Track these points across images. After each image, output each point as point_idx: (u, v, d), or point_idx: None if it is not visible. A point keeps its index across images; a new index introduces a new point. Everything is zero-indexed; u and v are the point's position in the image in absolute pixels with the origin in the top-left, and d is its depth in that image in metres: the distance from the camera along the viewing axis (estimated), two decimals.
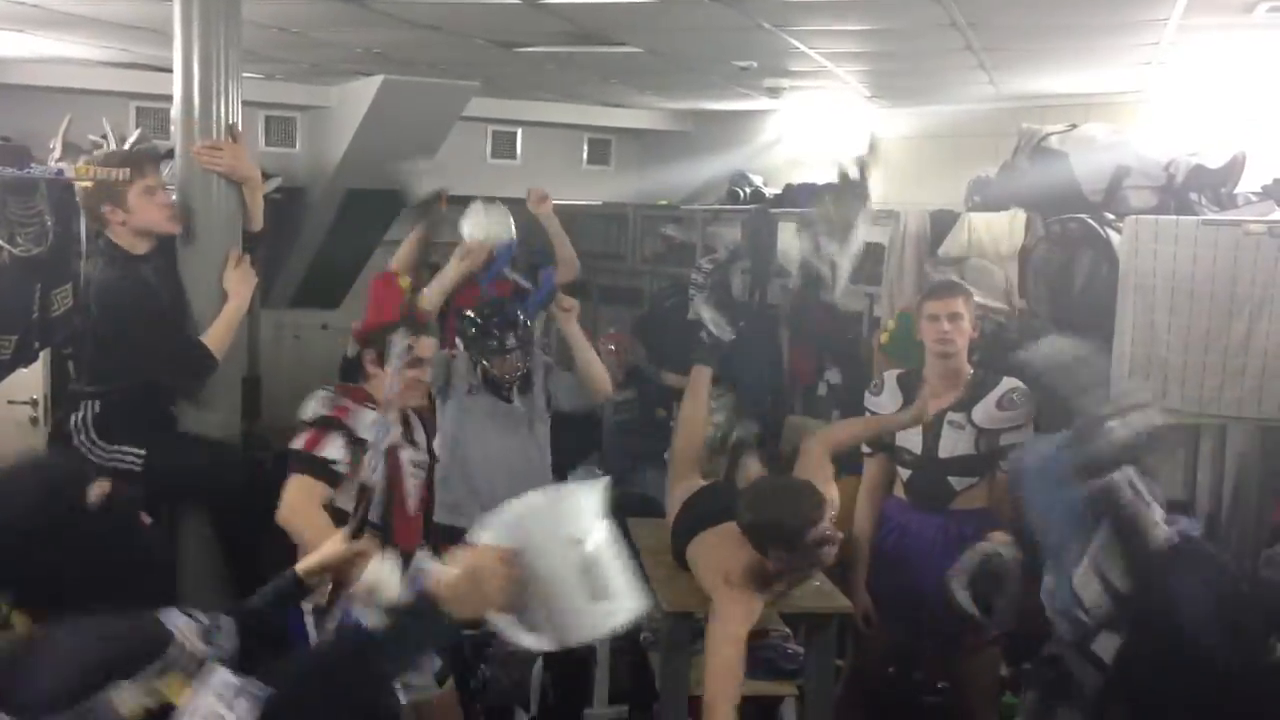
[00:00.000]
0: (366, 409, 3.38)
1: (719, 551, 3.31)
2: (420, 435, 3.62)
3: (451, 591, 1.87)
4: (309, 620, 2.96)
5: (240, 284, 3.68)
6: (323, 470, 3.30)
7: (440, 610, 1.85)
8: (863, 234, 4.84)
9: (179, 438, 3.71)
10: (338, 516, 3.16)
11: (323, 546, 2.48)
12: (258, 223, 3.85)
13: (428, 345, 3.58)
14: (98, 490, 1.96)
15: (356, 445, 3.29)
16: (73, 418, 3.67)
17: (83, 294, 4.02)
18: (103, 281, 3.66)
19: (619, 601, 1.98)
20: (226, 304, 3.67)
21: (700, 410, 4.21)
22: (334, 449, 3.31)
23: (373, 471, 2.86)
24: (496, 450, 4.27)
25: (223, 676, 1.73)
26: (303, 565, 2.44)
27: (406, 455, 3.51)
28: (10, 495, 1.91)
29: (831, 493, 3.38)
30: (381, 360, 3.47)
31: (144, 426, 3.63)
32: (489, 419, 4.30)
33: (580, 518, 1.99)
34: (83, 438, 3.63)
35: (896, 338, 4.76)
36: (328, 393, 3.45)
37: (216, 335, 3.64)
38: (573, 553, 1.94)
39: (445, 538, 3.77)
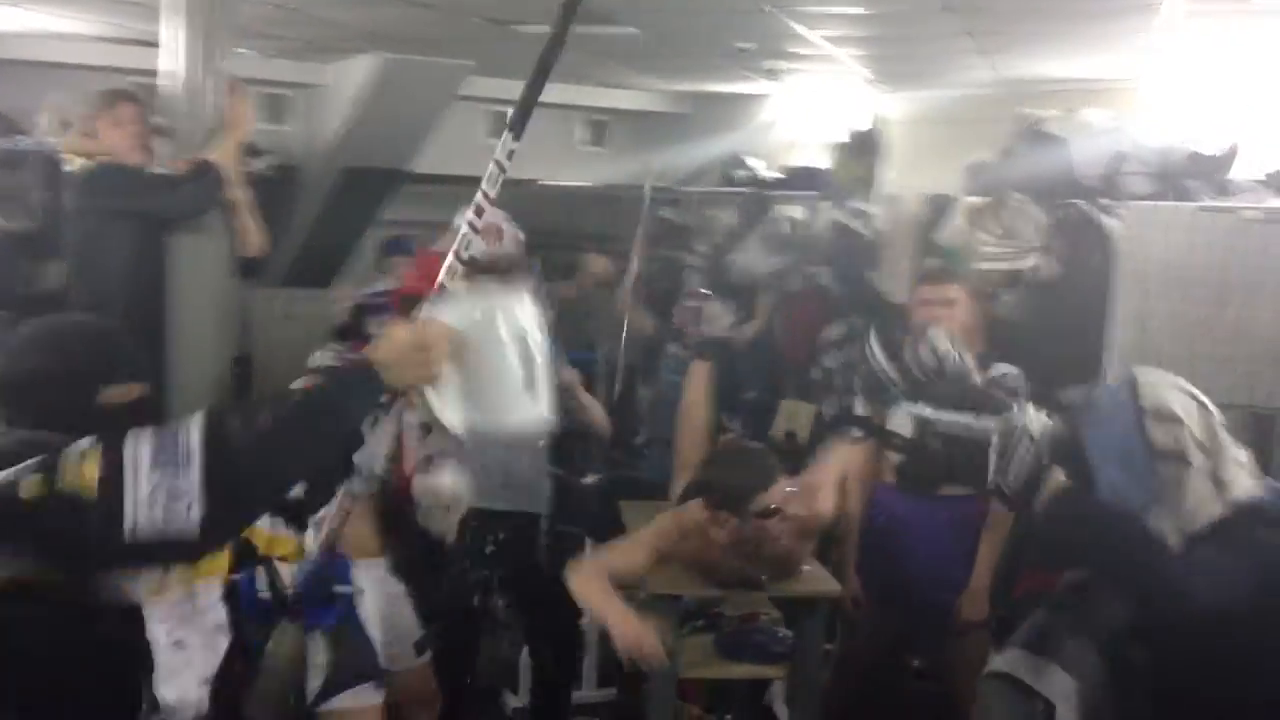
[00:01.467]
0: None
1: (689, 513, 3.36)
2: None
3: (389, 354, 1.84)
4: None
5: (239, 106, 3.70)
6: None
7: (374, 373, 1.83)
8: (883, 185, 4.89)
9: None
10: None
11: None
12: (256, 244, 3.85)
13: None
14: (121, 394, 1.98)
15: None
16: None
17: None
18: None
19: (540, 403, 2.09)
20: (230, 130, 3.68)
21: (700, 402, 4.29)
22: None
23: None
24: None
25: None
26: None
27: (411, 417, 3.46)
28: (34, 354, 1.96)
29: (823, 496, 3.38)
30: None
31: None
32: None
33: (526, 318, 2.10)
34: None
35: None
36: (338, 347, 3.44)
37: (222, 153, 3.64)
38: (516, 343, 2.06)
39: None
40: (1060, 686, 2.20)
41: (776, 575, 3.33)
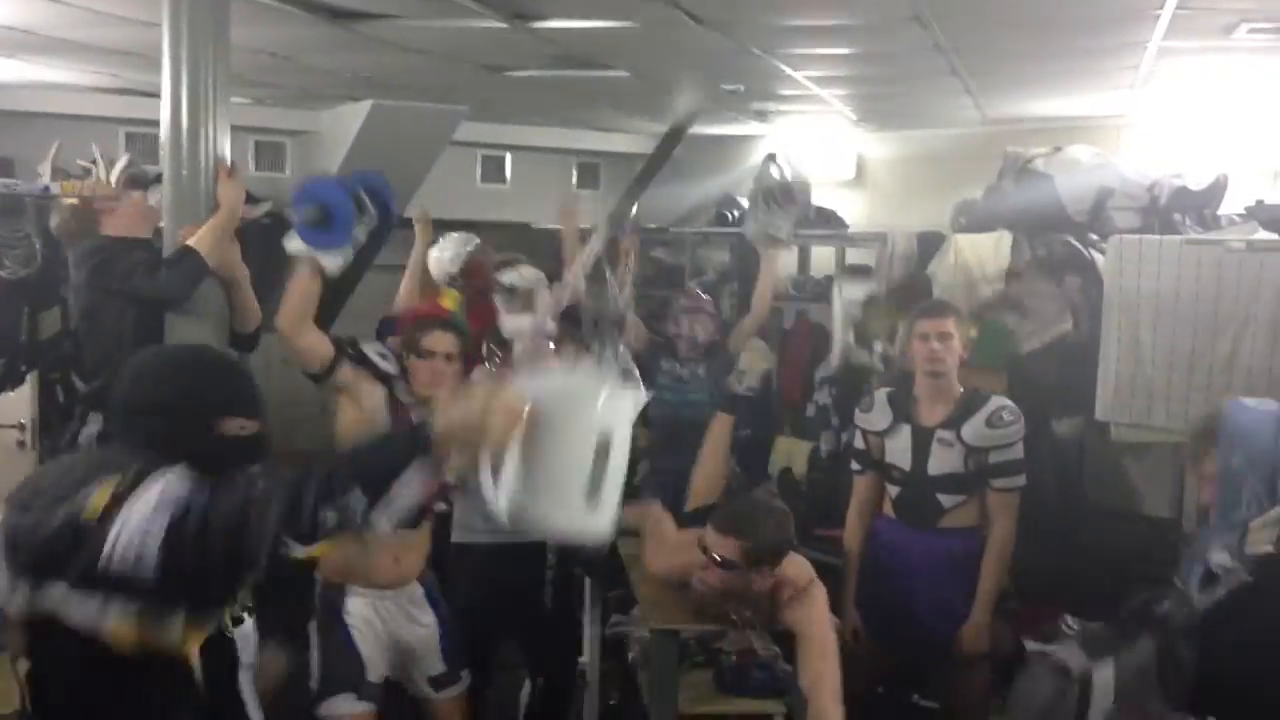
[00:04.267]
0: None
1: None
2: None
3: (451, 416, 1.70)
4: None
5: (230, 192, 3.60)
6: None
7: (428, 434, 1.70)
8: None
9: None
10: None
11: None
12: (252, 319, 3.84)
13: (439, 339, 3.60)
14: (237, 427, 2.03)
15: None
16: (81, 433, 3.70)
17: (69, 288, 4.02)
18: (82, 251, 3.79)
19: (601, 514, 1.79)
20: (217, 212, 3.57)
21: (721, 456, 4.31)
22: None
23: None
24: None
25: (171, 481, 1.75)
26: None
27: None
28: (157, 382, 2.04)
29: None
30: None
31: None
32: None
33: (616, 416, 1.82)
34: None
35: (980, 347, 4.59)
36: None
37: (204, 240, 3.52)
38: (592, 441, 1.77)
39: (461, 555, 3.80)
40: (1101, 675, 2.33)
41: (763, 619, 3.36)
